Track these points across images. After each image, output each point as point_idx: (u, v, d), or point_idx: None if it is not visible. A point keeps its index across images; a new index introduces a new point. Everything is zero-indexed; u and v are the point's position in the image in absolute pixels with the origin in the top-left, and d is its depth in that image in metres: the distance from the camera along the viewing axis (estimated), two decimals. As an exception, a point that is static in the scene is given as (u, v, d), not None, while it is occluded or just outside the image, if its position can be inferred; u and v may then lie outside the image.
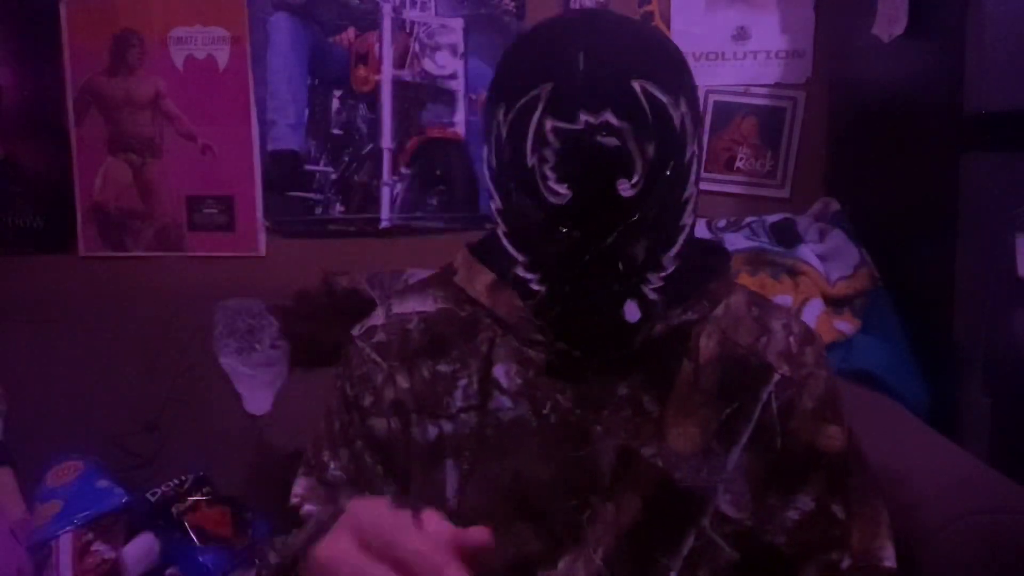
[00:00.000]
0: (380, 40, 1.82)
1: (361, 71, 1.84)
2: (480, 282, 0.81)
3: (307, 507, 0.84)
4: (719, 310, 0.81)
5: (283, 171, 1.88)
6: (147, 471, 1.59)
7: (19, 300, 1.80)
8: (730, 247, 1.52)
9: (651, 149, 0.69)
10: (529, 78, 0.70)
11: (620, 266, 0.72)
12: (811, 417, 0.80)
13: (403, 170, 1.85)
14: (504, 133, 0.72)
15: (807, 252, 1.46)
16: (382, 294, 1.53)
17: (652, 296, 0.74)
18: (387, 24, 1.82)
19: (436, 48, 1.82)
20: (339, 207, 1.88)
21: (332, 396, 0.86)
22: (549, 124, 0.69)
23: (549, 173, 0.70)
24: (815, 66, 1.74)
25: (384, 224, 1.86)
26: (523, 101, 0.70)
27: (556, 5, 1.78)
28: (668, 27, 1.75)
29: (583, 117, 0.68)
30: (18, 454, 1.57)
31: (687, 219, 0.75)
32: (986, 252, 1.16)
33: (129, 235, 1.93)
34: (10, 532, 1.38)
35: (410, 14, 1.82)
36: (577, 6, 1.77)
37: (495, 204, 0.76)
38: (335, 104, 1.86)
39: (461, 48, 1.81)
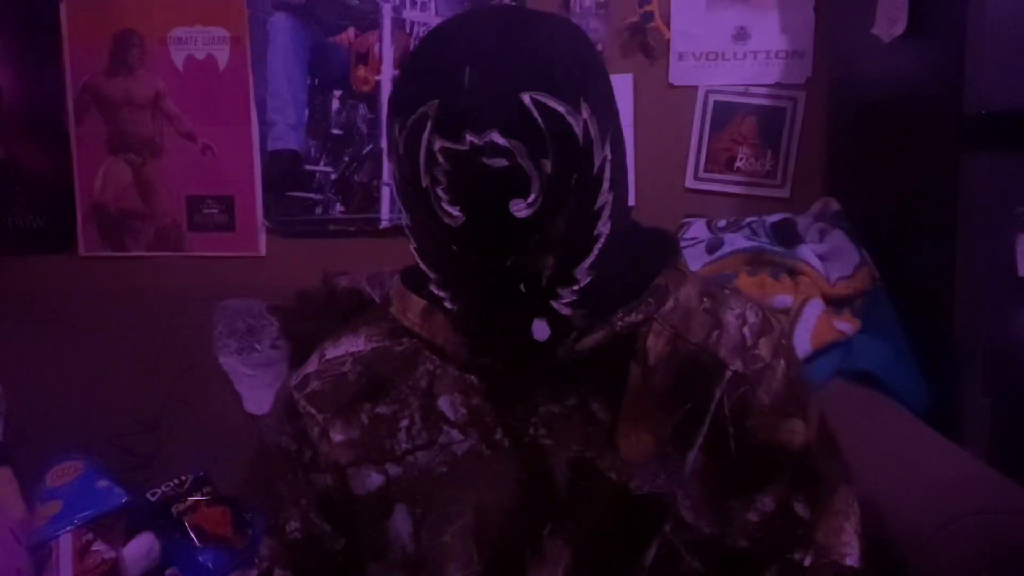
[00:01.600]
0: (380, 40, 1.82)
1: (361, 71, 1.84)
2: (413, 311, 0.79)
3: (277, 572, 0.84)
4: (668, 305, 0.78)
5: (283, 171, 1.88)
6: (147, 471, 1.59)
7: (19, 300, 1.80)
8: (730, 247, 1.52)
9: (548, 164, 0.65)
10: (417, 94, 0.67)
11: (522, 287, 0.69)
12: (769, 413, 0.77)
13: (403, 170, 1.85)
14: (401, 149, 0.69)
15: (807, 252, 1.45)
16: (382, 294, 1.53)
17: (565, 311, 0.70)
18: (387, 24, 1.82)
19: (436, 48, 1.82)
20: (339, 207, 1.88)
21: (275, 452, 0.84)
22: (438, 144, 0.66)
23: (442, 194, 0.67)
24: (815, 66, 1.74)
25: (384, 224, 1.86)
26: (412, 119, 0.67)
27: (555, 6, 1.77)
28: (668, 27, 1.75)
29: (468, 138, 0.64)
30: (18, 454, 1.57)
31: (602, 227, 0.71)
32: (986, 252, 1.16)
33: (129, 235, 1.93)
34: (10, 532, 1.38)
35: (410, 14, 1.82)
36: (577, 7, 1.77)
37: (404, 219, 0.74)
38: (335, 104, 1.86)
39: (461, 48, 1.81)
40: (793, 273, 1.43)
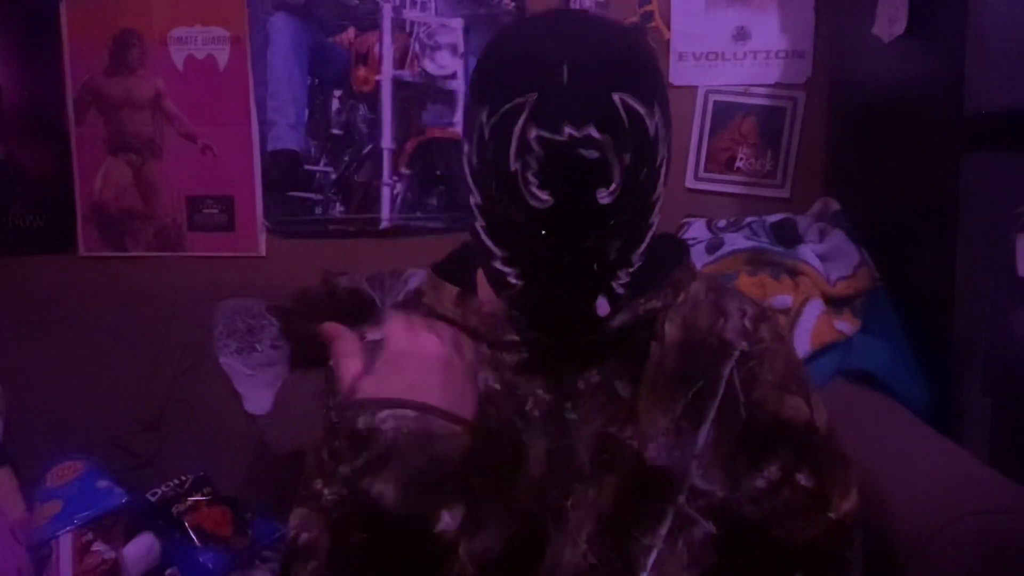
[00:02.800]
0: (380, 40, 1.82)
1: (361, 71, 1.84)
2: (446, 297, 0.85)
3: (303, 535, 0.82)
4: (680, 298, 0.85)
5: (283, 171, 1.88)
6: (147, 471, 1.60)
7: (19, 300, 1.80)
8: (730, 247, 1.52)
9: (628, 158, 0.72)
10: (514, 85, 0.73)
11: (595, 266, 0.76)
12: (773, 387, 0.83)
13: (403, 170, 1.85)
14: (487, 134, 0.74)
15: (807, 252, 1.45)
16: (382, 294, 1.53)
17: (620, 291, 0.78)
18: (387, 24, 1.82)
19: (436, 48, 1.82)
20: (339, 207, 1.88)
21: (319, 426, 0.85)
22: (533, 132, 0.71)
23: (532, 178, 0.73)
24: (815, 66, 1.74)
25: (384, 224, 1.86)
26: (508, 107, 0.72)
27: (555, 4, 1.77)
28: (668, 27, 1.76)
29: (567, 130, 0.71)
30: (18, 454, 1.57)
31: (654, 218, 0.79)
32: (986, 252, 1.16)
33: (129, 235, 1.93)
34: (10, 532, 1.38)
35: (410, 14, 1.82)
36: (577, 6, 1.77)
37: (475, 199, 0.79)
38: (335, 104, 1.86)
39: (461, 48, 1.81)
40: (793, 273, 1.43)
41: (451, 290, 0.85)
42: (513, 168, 0.73)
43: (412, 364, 0.76)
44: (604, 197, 0.73)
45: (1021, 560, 0.84)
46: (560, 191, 0.73)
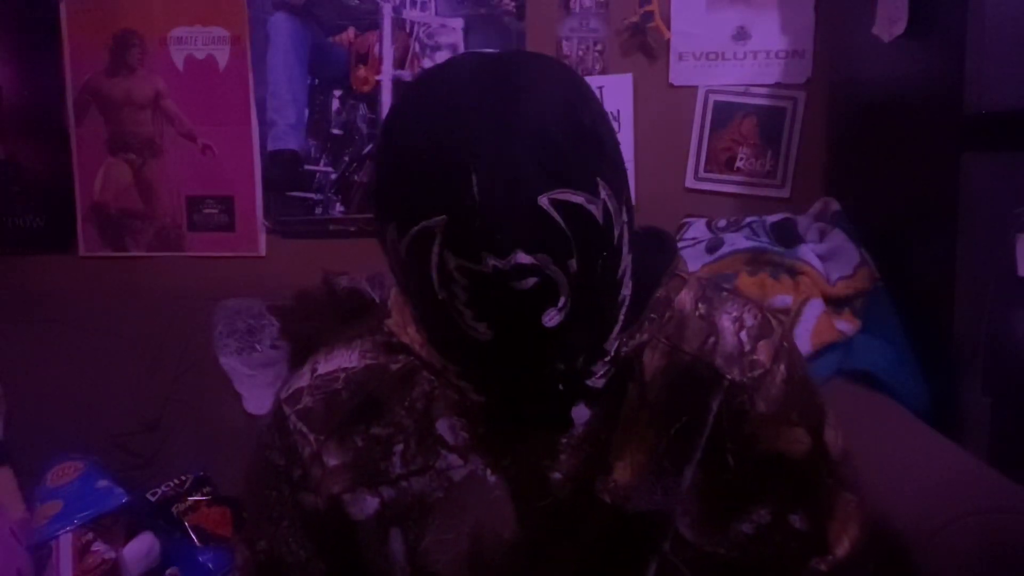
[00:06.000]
0: (380, 40, 1.82)
1: (361, 71, 1.84)
2: (413, 327, 0.75)
3: None
4: (666, 316, 0.74)
5: (283, 171, 1.88)
6: (147, 471, 1.60)
7: (19, 300, 1.80)
8: (730, 247, 1.52)
9: (573, 264, 0.61)
10: (418, 203, 0.60)
11: (560, 387, 0.65)
12: (768, 422, 0.73)
13: (403, 170, 1.85)
14: (403, 256, 0.63)
15: (807, 252, 1.45)
16: (382, 294, 1.53)
17: (600, 384, 0.67)
18: (387, 24, 1.82)
19: (436, 48, 1.82)
20: (339, 207, 1.88)
21: (260, 463, 0.81)
22: (452, 262, 0.60)
23: (464, 310, 0.61)
24: (815, 66, 1.74)
25: (384, 224, 1.86)
26: (415, 231, 0.60)
27: (556, 5, 1.77)
28: (668, 27, 1.75)
29: (489, 261, 0.59)
30: (18, 454, 1.57)
31: (625, 291, 0.67)
32: (986, 252, 1.16)
33: (129, 235, 1.93)
34: (10, 532, 1.38)
35: (410, 14, 1.82)
36: (577, 7, 1.77)
37: (413, 311, 0.69)
38: (335, 104, 1.86)
39: (461, 48, 1.81)
40: (793, 273, 1.43)
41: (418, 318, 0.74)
42: (441, 297, 0.62)
43: None
44: (552, 319, 0.61)
45: (1021, 560, 0.84)
46: (499, 324, 0.61)
